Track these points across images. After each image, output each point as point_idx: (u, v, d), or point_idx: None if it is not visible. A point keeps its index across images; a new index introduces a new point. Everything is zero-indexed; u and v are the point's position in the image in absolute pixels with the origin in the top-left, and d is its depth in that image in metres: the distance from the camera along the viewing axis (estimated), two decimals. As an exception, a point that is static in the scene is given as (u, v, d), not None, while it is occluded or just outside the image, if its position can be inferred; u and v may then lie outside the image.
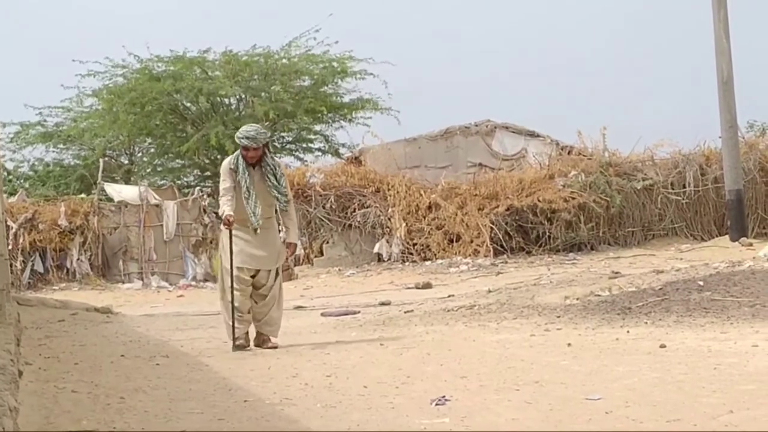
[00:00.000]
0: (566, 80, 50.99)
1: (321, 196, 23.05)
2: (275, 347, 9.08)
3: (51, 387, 6.70)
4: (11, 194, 24.97)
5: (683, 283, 10.96)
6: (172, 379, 7.27)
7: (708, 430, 4.96)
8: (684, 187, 23.38)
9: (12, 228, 20.90)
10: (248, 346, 9.13)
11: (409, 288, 16.99)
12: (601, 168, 23.19)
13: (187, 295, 19.24)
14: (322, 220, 22.96)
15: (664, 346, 7.80)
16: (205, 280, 21.47)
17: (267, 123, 27.82)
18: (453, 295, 13.84)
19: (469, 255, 21.47)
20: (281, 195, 9.25)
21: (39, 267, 21.24)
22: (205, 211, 22.51)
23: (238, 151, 9.36)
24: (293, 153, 31.11)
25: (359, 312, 12.48)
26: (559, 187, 22.64)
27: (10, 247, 20.19)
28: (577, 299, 11.07)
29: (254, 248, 9.16)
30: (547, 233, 22.21)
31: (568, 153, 25.06)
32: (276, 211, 9.42)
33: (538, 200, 22.19)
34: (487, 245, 21.55)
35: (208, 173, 29.80)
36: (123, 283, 21.40)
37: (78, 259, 21.43)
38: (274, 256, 9.31)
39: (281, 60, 29.01)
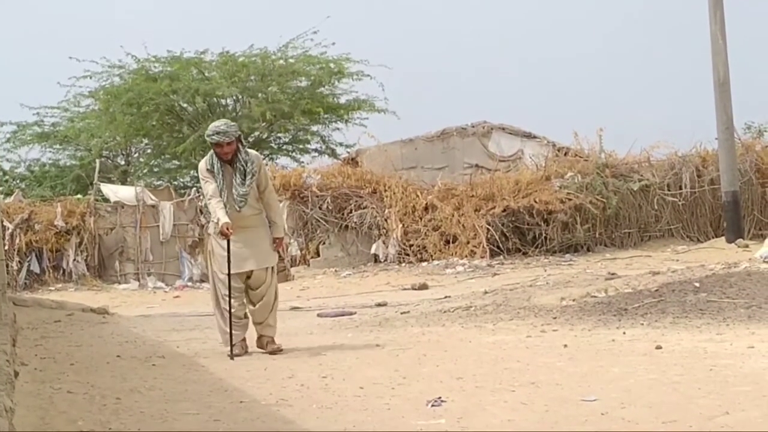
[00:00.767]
0: (562, 81, 51.01)
1: (317, 197, 23.04)
2: (280, 350, 8.77)
3: (47, 388, 6.70)
4: (7, 195, 24.95)
5: (679, 284, 10.97)
6: (168, 380, 7.27)
7: (704, 431, 4.96)
8: (680, 188, 23.39)
9: (8, 228, 20.90)
10: (246, 352, 8.82)
11: (405, 289, 16.98)
12: (598, 169, 23.20)
13: (184, 295, 19.23)
14: (319, 221, 22.96)
15: (660, 348, 7.82)
16: (202, 281, 21.44)
17: (264, 124, 27.88)
18: (449, 296, 13.84)
19: (466, 256, 21.46)
20: (239, 195, 8.71)
21: (35, 267, 21.22)
22: (201, 212, 22.50)
23: (210, 151, 8.87)
24: (290, 154, 31.13)
25: (355, 313, 12.48)
26: (555, 189, 22.65)
27: (6, 247, 20.20)
28: (574, 300, 11.08)
29: (243, 249, 8.78)
30: (544, 234, 22.21)
31: (565, 154, 25.07)
32: (262, 203, 8.96)
33: (535, 201, 22.20)
34: (483, 246, 21.54)
35: (204, 174, 29.74)
36: (119, 283, 21.39)
37: (74, 259, 21.41)
38: (266, 254, 8.92)
39: (278, 61, 29.01)
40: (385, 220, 22.53)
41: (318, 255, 22.86)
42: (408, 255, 22.04)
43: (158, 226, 22.10)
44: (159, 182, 29.36)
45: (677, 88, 47.97)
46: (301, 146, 31.04)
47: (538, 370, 7.10)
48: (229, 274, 8.72)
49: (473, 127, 26.12)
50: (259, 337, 8.99)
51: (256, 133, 28.84)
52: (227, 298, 8.76)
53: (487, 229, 21.77)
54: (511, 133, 26.32)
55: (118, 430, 5.40)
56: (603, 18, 55.70)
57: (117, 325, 12.35)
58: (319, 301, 15.44)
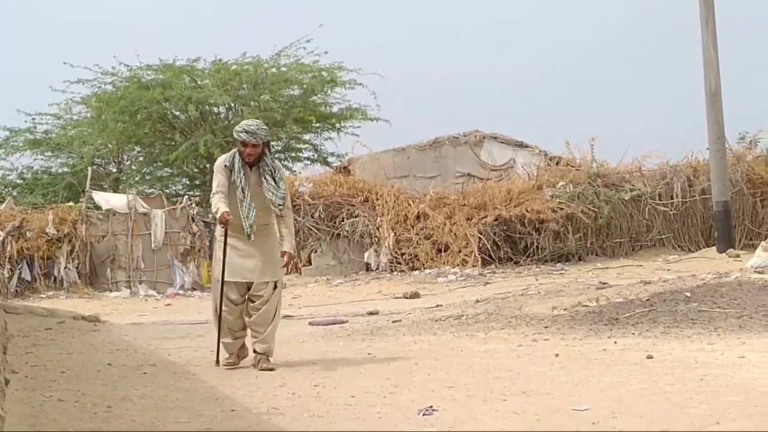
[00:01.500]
0: (555, 91, 51.13)
1: (309, 205, 23.04)
2: (272, 369, 8.16)
3: (38, 395, 6.68)
4: (-1, 202, 24.89)
5: (670, 294, 11.00)
6: (159, 388, 7.25)
7: (694, 441, 4.98)
8: (671, 198, 23.45)
9: (0, 236, 20.86)
10: (237, 363, 8.43)
11: (397, 297, 16.98)
12: (589, 179, 23.26)
13: (175, 304, 19.19)
14: (311, 230, 22.96)
15: (651, 357, 7.83)
16: (193, 289, 21.43)
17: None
18: (441, 305, 13.84)
19: (458, 265, 21.48)
20: (278, 199, 8.30)
21: (26, 275, 21.15)
22: (193, 220, 22.48)
23: (234, 149, 8.48)
24: (282, 162, 31.08)
25: (347, 321, 12.47)
26: (547, 198, 22.69)
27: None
28: (565, 310, 11.10)
29: (247, 258, 8.32)
30: (535, 243, 22.25)
31: (557, 164, 25.14)
32: (275, 217, 8.48)
33: (527, 210, 22.23)
34: (475, 255, 21.56)
35: (196, 182, 29.79)
36: (110, 291, 21.34)
37: (65, 267, 21.36)
38: (271, 267, 8.45)
39: (271, 69, 29.02)
40: (377, 228, 22.54)
41: (310, 263, 22.85)
42: (400, 264, 22.05)
43: (150, 234, 22.05)
44: (151, 190, 29.29)
45: (669, 98, 48.13)
46: (293, 154, 31.04)
47: (529, 379, 7.10)
48: (222, 276, 8.31)
49: (465, 136, 26.18)
50: (254, 354, 8.48)
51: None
52: (225, 312, 8.36)
53: (479, 238, 21.80)
54: (503, 142, 26.38)
55: (109, 439, 5.39)
56: (595, 28, 55.85)
57: (108, 333, 12.32)
58: (311, 309, 15.42)
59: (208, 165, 27.49)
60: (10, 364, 7.86)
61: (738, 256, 19.84)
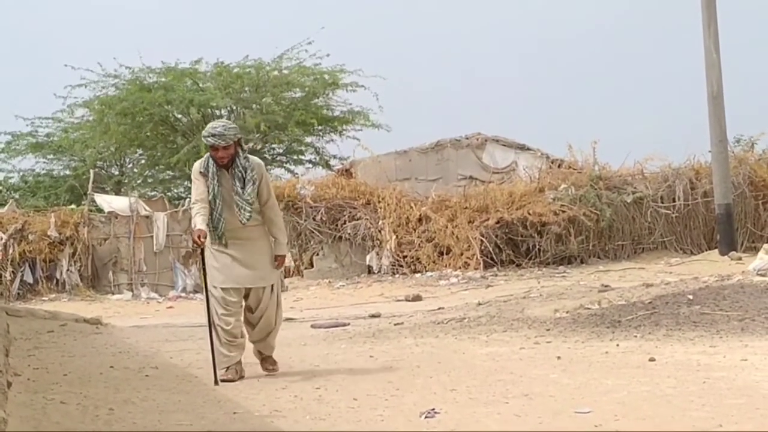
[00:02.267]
0: (557, 94, 51.15)
1: (311, 208, 23.06)
2: (276, 371, 8.08)
3: (40, 398, 6.68)
4: (1, 205, 24.93)
5: (672, 296, 10.99)
6: (161, 390, 7.25)
7: (697, 443, 4.97)
8: (674, 200, 23.44)
9: (2, 239, 20.89)
10: (240, 377, 7.91)
11: (399, 300, 16.99)
12: (591, 181, 23.25)
13: (177, 306, 19.21)
14: (313, 232, 22.96)
15: (654, 360, 7.82)
16: (195, 292, 21.42)
17: (258, 135, 27.85)
18: (443, 308, 13.83)
19: (459, 268, 21.47)
20: (244, 203, 7.86)
21: (28, 278, 21.18)
22: (195, 223, 22.48)
23: (208, 153, 8.07)
24: (284, 165, 31.13)
25: (349, 324, 12.47)
26: (549, 201, 22.68)
27: (-1, 257, 20.21)
28: (567, 312, 11.09)
29: (240, 265, 7.93)
30: (537, 246, 22.24)
31: (559, 166, 25.12)
32: (262, 216, 8.08)
33: (528, 213, 22.23)
34: (477, 258, 21.56)
35: (198, 184, 29.77)
36: (112, 294, 21.37)
37: (68, 269, 21.38)
38: (265, 272, 8.05)
39: (273, 72, 29.03)
40: (379, 231, 22.54)
41: (312, 266, 22.86)
42: (402, 266, 22.05)
43: (152, 236, 22.07)
44: (153, 193, 29.32)
45: (671, 100, 48.12)
46: (295, 157, 31.05)
47: (531, 382, 7.09)
48: (205, 289, 8.01)
49: (467, 138, 26.18)
50: (260, 357, 8.23)
51: (251, 144, 28.79)
52: (224, 317, 7.92)
53: (481, 240, 21.80)
54: (505, 145, 26.37)
55: (111, 441, 5.39)
56: (597, 31, 55.84)
57: (110, 335, 12.32)
58: (313, 312, 15.42)
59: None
60: (13, 366, 7.86)
61: (740, 258, 19.82)
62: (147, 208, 22.62)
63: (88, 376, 8.03)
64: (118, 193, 27.34)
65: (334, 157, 30.63)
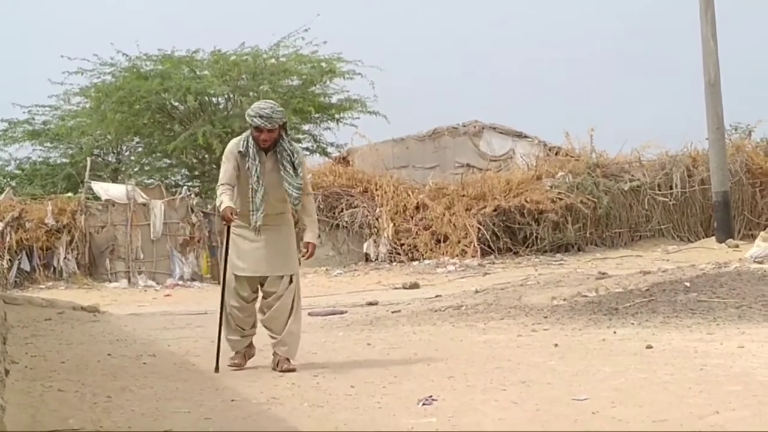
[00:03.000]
0: (554, 81, 51.06)
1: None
2: (293, 370, 7.46)
3: (38, 386, 6.68)
4: (-2, 193, 24.87)
5: (670, 284, 11.00)
6: (159, 378, 7.26)
7: (694, 430, 4.98)
8: (671, 188, 23.46)
9: (-1, 226, 20.87)
10: (244, 365, 7.72)
11: (396, 288, 16.99)
12: (589, 169, 23.26)
13: (174, 294, 19.21)
14: (310, 220, 22.94)
15: (651, 347, 7.83)
16: (192, 280, 21.46)
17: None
18: (440, 296, 13.84)
19: (457, 255, 21.49)
20: (294, 189, 7.52)
21: (26, 266, 21.18)
22: (192, 210, 22.47)
23: (247, 132, 7.71)
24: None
25: (346, 312, 12.48)
26: (546, 188, 22.70)
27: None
28: (564, 300, 11.10)
29: (260, 251, 7.54)
30: (535, 234, 22.25)
31: (556, 154, 25.14)
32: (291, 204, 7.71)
33: (526, 201, 22.24)
34: (474, 246, 21.57)
35: (195, 172, 29.77)
36: (110, 282, 21.37)
37: (65, 257, 21.37)
38: (287, 260, 7.67)
39: (270, 59, 28.95)
40: (376, 219, 22.54)
41: (309, 254, 22.82)
42: (399, 254, 22.06)
43: (149, 224, 22.06)
44: (150, 180, 29.23)
45: (668, 88, 48.13)
46: (292, 145, 30.94)
47: (529, 369, 7.10)
48: (224, 272, 7.73)
49: (465, 126, 26.18)
50: (273, 355, 7.71)
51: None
52: (235, 309, 7.64)
53: (478, 228, 21.81)
54: (502, 133, 26.37)
55: (108, 429, 5.39)
56: (594, 19, 55.80)
57: (108, 323, 12.33)
58: (310, 299, 15.39)
59: (207, 155, 27.51)
60: (10, 354, 7.87)
61: (737, 246, 19.86)
62: (144, 195, 22.60)
63: (86, 364, 8.04)
64: (115, 180, 27.25)
65: (332, 144, 30.58)
